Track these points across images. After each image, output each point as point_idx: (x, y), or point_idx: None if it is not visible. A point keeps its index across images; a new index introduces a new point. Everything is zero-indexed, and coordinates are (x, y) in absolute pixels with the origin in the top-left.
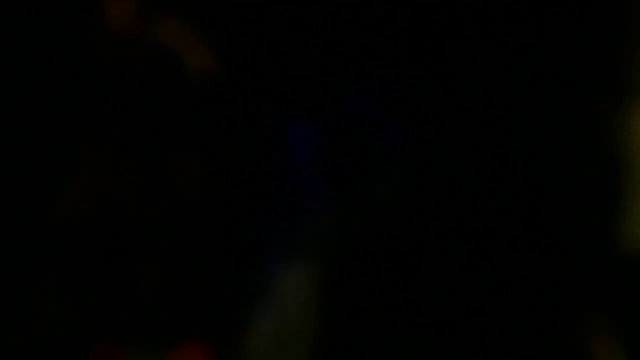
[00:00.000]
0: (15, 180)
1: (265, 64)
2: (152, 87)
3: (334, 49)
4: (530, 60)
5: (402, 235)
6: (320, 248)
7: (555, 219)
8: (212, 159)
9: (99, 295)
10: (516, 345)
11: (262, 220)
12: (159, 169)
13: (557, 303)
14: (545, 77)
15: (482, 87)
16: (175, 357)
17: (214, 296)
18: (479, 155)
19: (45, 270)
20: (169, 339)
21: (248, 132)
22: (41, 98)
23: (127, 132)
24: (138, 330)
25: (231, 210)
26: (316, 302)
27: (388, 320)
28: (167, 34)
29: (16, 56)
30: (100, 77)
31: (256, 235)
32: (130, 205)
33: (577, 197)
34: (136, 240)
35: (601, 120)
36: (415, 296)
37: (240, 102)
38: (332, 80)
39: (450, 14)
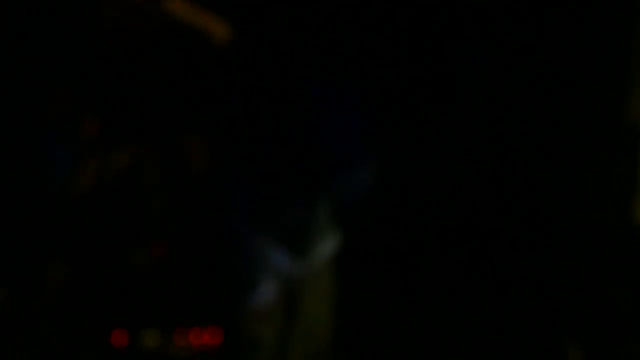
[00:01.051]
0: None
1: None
2: (167, 65)
3: (328, 47)
4: (529, 60)
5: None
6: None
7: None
8: (218, 141)
9: (110, 285)
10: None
11: (257, 211)
12: (169, 149)
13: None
14: (544, 76)
15: (477, 86)
16: (182, 340)
17: (218, 282)
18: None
19: (58, 261)
20: (177, 324)
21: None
22: (54, 76)
23: (138, 112)
24: (148, 317)
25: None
26: (317, 289)
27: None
28: (183, 10)
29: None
30: (114, 57)
31: (255, 226)
32: (138, 189)
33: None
34: (143, 225)
35: (604, 111)
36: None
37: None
38: (317, 77)
39: (449, 14)
